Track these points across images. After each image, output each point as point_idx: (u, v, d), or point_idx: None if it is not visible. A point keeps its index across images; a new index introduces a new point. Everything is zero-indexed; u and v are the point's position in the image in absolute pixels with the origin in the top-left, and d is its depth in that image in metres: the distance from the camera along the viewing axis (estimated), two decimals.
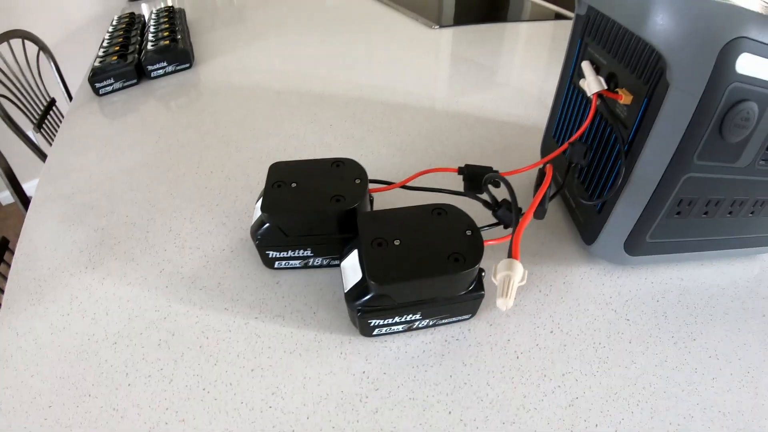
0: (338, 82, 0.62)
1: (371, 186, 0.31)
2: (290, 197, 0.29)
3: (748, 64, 0.25)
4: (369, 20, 0.91)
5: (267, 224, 0.29)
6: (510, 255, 0.21)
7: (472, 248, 0.26)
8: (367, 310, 0.26)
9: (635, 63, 0.28)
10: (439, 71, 0.69)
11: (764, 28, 0.25)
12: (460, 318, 0.29)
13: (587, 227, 0.33)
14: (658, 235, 0.32)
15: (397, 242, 0.26)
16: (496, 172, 0.28)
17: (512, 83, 0.66)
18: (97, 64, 0.50)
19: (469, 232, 0.27)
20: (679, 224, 0.32)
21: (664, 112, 0.26)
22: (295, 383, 0.27)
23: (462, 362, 0.28)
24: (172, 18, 0.64)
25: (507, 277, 0.21)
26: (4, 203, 1.63)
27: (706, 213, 0.32)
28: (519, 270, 0.21)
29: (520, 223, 0.22)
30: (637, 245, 0.32)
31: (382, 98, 0.58)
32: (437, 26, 0.82)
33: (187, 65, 0.58)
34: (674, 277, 0.36)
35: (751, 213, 0.34)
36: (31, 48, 0.96)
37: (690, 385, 0.30)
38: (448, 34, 0.83)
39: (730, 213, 0.33)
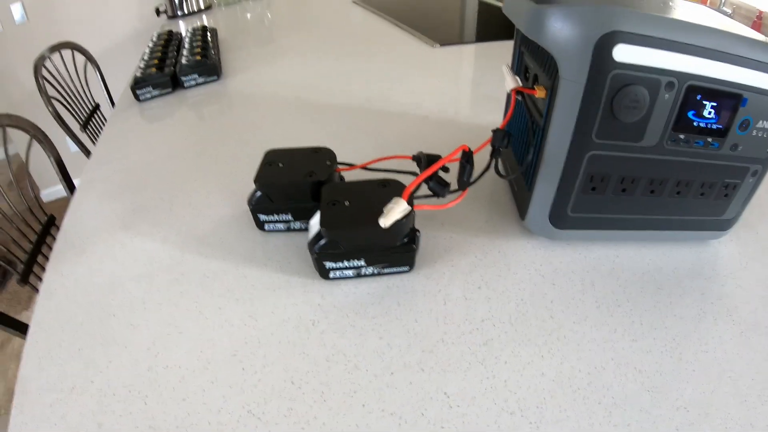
0: (341, 94, 0.81)
1: (340, 167, 0.46)
2: (276, 173, 0.45)
3: (625, 53, 0.37)
4: (378, 39, 1.14)
5: (258, 193, 0.45)
6: (401, 196, 0.35)
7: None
8: (321, 253, 0.40)
9: (544, 63, 0.42)
10: (429, 84, 0.87)
11: (636, 22, 0.37)
12: (399, 269, 0.42)
13: (521, 204, 0.46)
14: (581, 210, 0.44)
15: (347, 203, 0.41)
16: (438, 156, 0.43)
17: (498, 96, 0.81)
18: (138, 74, 0.71)
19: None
20: (599, 200, 0.43)
21: (559, 100, 0.39)
22: (266, 309, 0.41)
23: (397, 303, 0.41)
24: (205, 36, 0.87)
25: (390, 208, 0.35)
26: (46, 200, 1.99)
27: (624, 190, 0.43)
28: (401, 205, 0.35)
29: (417, 179, 0.36)
30: (561, 219, 0.44)
31: (375, 107, 0.76)
32: (438, 45, 1.03)
33: (216, 77, 0.78)
34: (610, 254, 0.47)
35: (677, 193, 0.45)
36: (80, 58, 1.25)
37: (607, 342, 0.40)
38: (447, 51, 1.05)
39: (652, 192, 0.44)
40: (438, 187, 0.40)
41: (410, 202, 0.39)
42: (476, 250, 0.46)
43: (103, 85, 1.29)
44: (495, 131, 0.41)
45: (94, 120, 1.30)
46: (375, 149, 0.64)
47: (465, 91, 0.84)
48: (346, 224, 0.39)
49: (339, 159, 0.50)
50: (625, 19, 0.37)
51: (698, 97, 0.41)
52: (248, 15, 1.37)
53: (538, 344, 0.39)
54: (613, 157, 0.41)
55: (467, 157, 0.39)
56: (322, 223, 0.39)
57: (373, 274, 0.42)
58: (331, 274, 0.41)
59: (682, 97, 0.40)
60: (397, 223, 0.39)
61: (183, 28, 1.21)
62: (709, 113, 0.42)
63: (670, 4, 0.48)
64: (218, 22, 1.31)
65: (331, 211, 0.40)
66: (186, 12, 1.29)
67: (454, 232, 0.48)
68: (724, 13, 2.53)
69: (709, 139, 0.43)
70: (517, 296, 0.42)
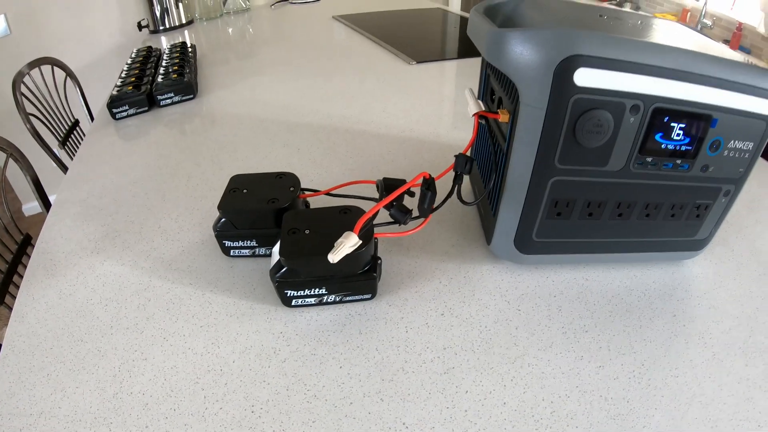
0: (313, 113, 0.81)
1: (303, 193, 0.45)
2: (240, 199, 0.44)
3: (586, 78, 0.36)
4: (356, 56, 1.14)
5: (223, 219, 0.44)
6: (353, 230, 0.34)
7: (362, 237, 0.39)
8: (282, 282, 0.39)
9: (507, 88, 0.40)
10: (404, 104, 0.87)
11: (598, 45, 0.36)
12: (362, 297, 0.41)
13: (487, 229, 0.45)
14: (546, 235, 0.42)
15: (307, 231, 0.40)
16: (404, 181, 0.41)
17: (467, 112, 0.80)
18: (114, 92, 0.71)
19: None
20: (565, 225, 0.42)
21: (520, 125, 0.38)
22: (229, 337, 0.41)
23: (359, 331, 0.40)
24: (183, 54, 0.86)
25: (340, 242, 0.34)
26: (27, 214, 2.00)
27: (591, 215, 0.42)
28: (352, 240, 0.34)
29: (370, 210, 0.35)
30: (526, 244, 0.42)
31: (349, 127, 0.76)
32: (414, 62, 1.04)
33: (192, 96, 0.77)
34: (578, 277, 0.46)
35: (647, 216, 0.43)
36: (60, 73, 1.25)
37: (572, 369, 0.40)
38: (422, 69, 1.05)
39: (620, 215, 0.43)
40: (399, 215, 0.40)
41: (370, 231, 0.38)
42: (441, 275, 0.45)
43: (83, 101, 1.28)
44: (457, 156, 0.40)
45: (73, 136, 1.30)
46: (347, 172, 0.64)
47: (441, 110, 0.83)
48: (304, 253, 0.38)
49: (310, 183, 0.49)
50: (586, 42, 0.35)
51: (665, 119, 0.39)
52: (230, 30, 1.36)
53: (501, 372, 0.38)
54: (578, 183, 0.40)
55: (427, 185, 0.38)
56: (281, 252, 0.38)
57: (335, 302, 0.41)
58: (293, 302, 0.41)
59: (648, 119, 0.39)
60: (356, 253, 0.38)
61: (164, 43, 1.21)
62: (678, 135, 0.40)
63: (644, 24, 0.47)
64: (200, 36, 1.31)
65: (291, 239, 0.39)
66: (168, 27, 1.28)
67: (420, 257, 0.48)
68: (704, 26, 2.53)
69: (678, 161, 0.41)
70: (480, 323, 0.41)
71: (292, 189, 0.44)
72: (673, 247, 0.47)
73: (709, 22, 2.53)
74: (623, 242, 0.45)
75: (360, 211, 0.42)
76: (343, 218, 0.41)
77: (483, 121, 0.41)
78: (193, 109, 0.80)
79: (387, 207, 0.41)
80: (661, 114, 0.39)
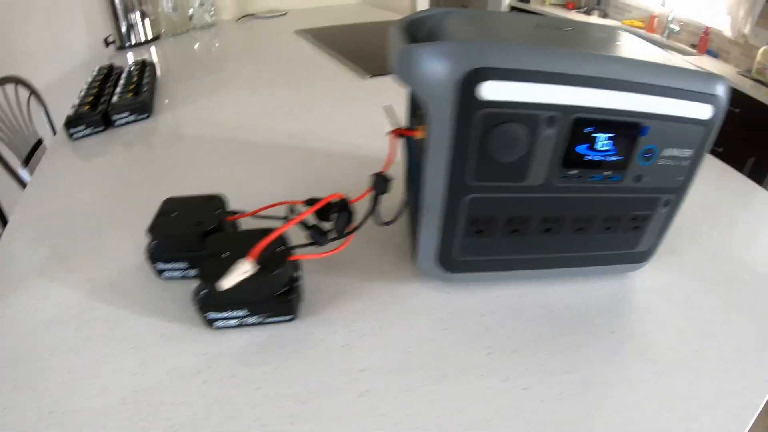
0: (266, 131, 0.81)
1: (229, 216, 0.45)
2: (169, 222, 0.44)
3: (493, 91, 0.34)
4: (313, 71, 1.14)
5: (154, 242, 0.44)
6: (245, 257, 0.33)
7: (276, 260, 0.38)
8: (202, 304, 0.39)
9: (422, 104, 0.38)
10: (354, 119, 0.86)
11: (505, 56, 0.34)
12: (283, 318, 0.41)
13: (413, 247, 0.43)
14: (470, 253, 0.41)
15: (226, 254, 0.39)
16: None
17: None
18: (71, 112, 0.71)
19: (280, 249, 0.39)
20: (489, 242, 0.40)
21: (431, 142, 0.36)
22: (157, 358, 0.41)
23: (278, 353, 0.40)
24: (142, 72, 0.87)
25: (232, 269, 0.33)
26: None
27: (515, 231, 0.40)
28: (243, 267, 0.33)
29: (267, 237, 0.34)
30: (450, 262, 0.41)
31: (297, 144, 0.76)
32: (369, 76, 1.04)
33: (146, 115, 0.77)
34: (512, 294, 0.44)
35: (579, 230, 0.41)
36: (24, 91, 1.24)
37: (495, 392, 0.38)
38: (376, 83, 1.04)
39: (549, 231, 0.40)
40: (317, 236, 0.39)
41: (287, 252, 0.37)
42: (367, 295, 0.44)
43: (48, 119, 1.28)
44: (375, 176, 0.38)
45: (37, 155, 1.29)
46: (288, 191, 0.64)
47: (389, 125, 0.80)
48: (221, 275, 0.37)
49: (249, 203, 0.49)
50: (491, 54, 0.33)
51: (588, 129, 0.37)
52: (195, 45, 1.35)
53: (419, 395, 0.37)
54: (496, 199, 0.38)
55: (340, 206, 0.36)
56: (200, 275, 0.38)
57: (257, 323, 0.40)
58: (216, 324, 0.40)
59: (568, 131, 0.36)
60: (270, 276, 0.37)
61: (131, 58, 1.22)
62: (604, 146, 0.38)
63: (581, 32, 0.44)
64: (166, 52, 1.33)
65: (210, 262, 0.38)
66: (134, 43, 1.28)
67: (348, 276, 0.47)
68: (671, 31, 2.48)
69: (608, 173, 0.39)
70: (403, 344, 0.40)
71: (218, 212, 0.44)
72: (613, 261, 0.45)
73: (676, 28, 2.52)
74: (558, 258, 0.43)
75: (281, 235, 0.41)
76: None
77: (402, 139, 0.39)
78: (147, 129, 0.81)
79: (306, 228, 0.39)
80: (583, 124, 0.37)
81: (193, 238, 0.42)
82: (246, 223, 0.52)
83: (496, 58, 0.33)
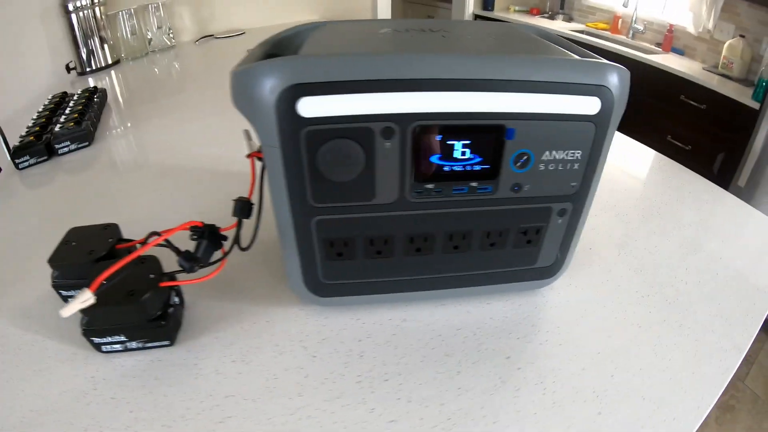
0: (191, 157, 0.83)
1: (120, 244, 0.46)
2: (68, 251, 0.47)
3: (312, 107, 0.32)
4: None
5: (56, 271, 0.46)
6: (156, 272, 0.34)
7: (147, 287, 0.38)
8: (86, 329, 0.40)
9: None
10: None
11: (321, 69, 0.32)
12: (162, 343, 0.42)
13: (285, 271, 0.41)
14: (335, 276, 0.39)
15: (105, 283, 0.40)
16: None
17: None
18: (17, 142, 0.75)
19: (152, 276, 0.39)
20: (353, 265, 0.38)
21: (268, 166, 0.34)
22: (54, 380, 0.44)
23: (155, 377, 0.42)
24: (90, 99, 0.95)
25: (74, 298, 0.33)
26: None
27: (379, 252, 0.37)
28: (84, 295, 0.37)
29: (106, 270, 0.34)
30: (317, 286, 0.40)
31: (220, 168, 0.76)
32: None
33: (87, 143, 0.83)
34: (396, 317, 0.42)
35: (455, 248, 0.37)
36: None
37: (358, 423, 0.37)
38: None
39: (418, 250, 0.37)
40: (185, 263, 0.39)
41: (159, 278, 0.38)
42: (246, 319, 0.44)
43: (6, 148, 1.30)
44: (237, 201, 0.37)
45: None
46: (197, 216, 0.62)
47: (246, 148, 0.79)
48: (98, 303, 0.38)
49: (157, 228, 0.49)
50: (304, 68, 0.32)
51: (437, 138, 0.33)
52: (155, 69, 1.41)
53: (277, 424, 0.36)
54: (345, 220, 0.36)
55: (201, 233, 0.36)
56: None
57: (139, 348, 0.41)
58: (103, 348, 0.43)
59: (411, 141, 0.33)
60: (139, 302, 0.38)
61: (92, 83, 1.32)
62: (464, 154, 0.34)
63: (453, 32, 0.39)
64: (126, 76, 1.40)
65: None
66: (95, 68, 1.35)
67: (231, 300, 0.48)
68: (636, 30, 2.40)
69: (474, 184, 0.35)
70: (270, 371, 0.39)
71: (110, 240, 0.45)
72: (511, 278, 0.41)
73: (640, 27, 2.48)
74: (440, 278, 0.40)
75: (155, 260, 0.41)
76: (138, 269, 0.41)
77: (259, 162, 0.37)
78: (87, 157, 0.86)
79: (177, 254, 0.39)
80: (429, 132, 0.33)
81: (86, 266, 0.44)
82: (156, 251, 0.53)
83: (310, 72, 0.31)
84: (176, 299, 0.46)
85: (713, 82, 1.88)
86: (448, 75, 0.32)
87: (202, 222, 0.41)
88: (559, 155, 0.36)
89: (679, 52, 2.32)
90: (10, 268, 0.62)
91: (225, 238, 0.44)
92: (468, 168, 0.36)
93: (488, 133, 0.35)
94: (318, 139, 0.34)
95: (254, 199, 0.42)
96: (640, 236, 0.50)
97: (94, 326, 0.44)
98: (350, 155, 0.35)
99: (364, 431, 0.37)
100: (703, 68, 2.09)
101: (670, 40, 2.30)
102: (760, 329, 0.43)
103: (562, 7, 2.99)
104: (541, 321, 0.43)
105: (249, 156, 0.41)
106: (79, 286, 0.48)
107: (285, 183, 0.36)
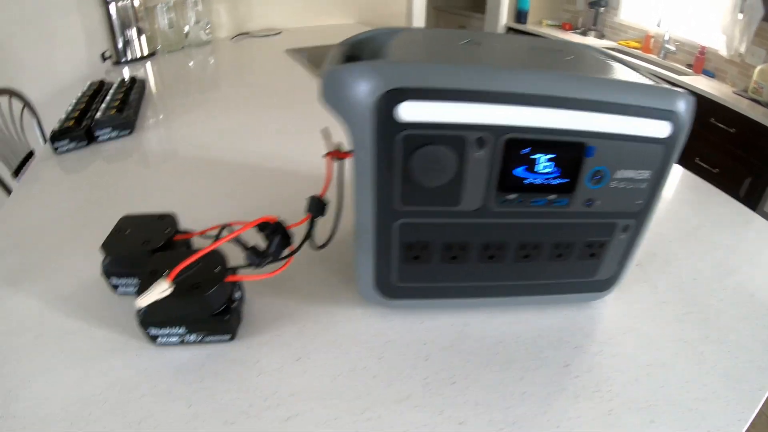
0: (234, 151, 0.81)
1: (178, 235, 0.44)
2: (121, 240, 0.44)
3: (412, 112, 0.32)
4: (297, 90, 1.13)
5: (108, 258, 0.44)
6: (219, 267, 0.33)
7: (212, 280, 0.37)
8: (143, 321, 0.39)
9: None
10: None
11: (424, 75, 0.32)
12: (221, 338, 0.40)
13: (355, 273, 0.41)
14: (408, 279, 0.38)
15: (166, 272, 0.39)
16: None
17: None
18: (57, 126, 0.73)
19: (217, 269, 0.38)
20: (427, 269, 0.38)
21: (355, 166, 0.34)
22: (102, 371, 0.42)
23: (214, 372, 0.39)
24: (130, 89, 0.91)
25: (151, 288, 0.32)
26: None
27: (455, 258, 0.37)
28: (162, 286, 0.34)
29: (184, 260, 0.33)
30: (388, 289, 0.39)
31: (267, 164, 0.75)
32: None
33: (128, 132, 0.79)
34: (458, 323, 0.41)
35: (526, 257, 0.37)
36: (18, 103, 1.28)
37: (426, 425, 0.36)
38: None
39: (491, 258, 0.37)
40: (253, 258, 0.38)
41: (224, 272, 0.37)
42: (308, 318, 0.43)
43: (40, 131, 1.31)
44: (311, 199, 0.36)
45: (27, 167, 1.31)
46: (249, 211, 0.63)
47: (325, 147, 0.78)
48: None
49: (205, 224, 0.47)
50: (407, 73, 0.31)
51: (525, 151, 0.34)
52: (190, 63, 1.38)
53: (344, 424, 0.35)
54: (429, 225, 0.36)
55: (274, 229, 0.35)
56: (138, 292, 0.37)
57: (197, 342, 0.40)
58: (158, 340, 0.40)
59: (501, 153, 0.33)
60: (205, 296, 0.36)
61: (127, 74, 1.28)
62: (545, 168, 0.34)
63: (527, 46, 0.40)
64: (161, 68, 1.36)
65: (149, 281, 0.38)
66: (130, 58, 1.32)
67: (291, 298, 0.46)
68: (668, 51, 2.39)
69: (552, 197, 0.36)
70: (335, 370, 0.38)
71: (167, 231, 0.44)
72: (570, 289, 0.41)
73: (672, 48, 2.42)
74: (505, 286, 0.40)
75: (219, 256, 0.40)
76: (203, 261, 0.39)
77: (336, 162, 0.37)
78: (128, 146, 0.83)
79: (244, 249, 0.38)
80: (518, 146, 0.34)
81: (140, 256, 0.42)
82: (201, 243, 0.52)
83: (413, 78, 0.31)
84: (238, 294, 0.43)
85: (743, 106, 1.81)
86: (541, 91, 0.32)
87: (275, 217, 0.41)
88: (629, 174, 0.37)
89: (710, 74, 2.21)
90: (46, 252, 0.57)
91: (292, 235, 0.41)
92: (548, 182, 0.35)
93: (571, 150, 0.34)
94: (413, 143, 0.32)
95: (329, 198, 0.40)
96: (679, 255, 0.50)
97: (154, 317, 0.42)
98: (442, 162, 0.34)
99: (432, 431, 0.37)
100: (733, 92, 1.99)
101: (702, 61, 2.21)
102: None
103: (594, 24, 2.86)
104: (594, 332, 0.43)
105: (327, 155, 0.41)
106: (130, 275, 0.45)
107: (373, 184, 0.34)
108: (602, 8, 2.78)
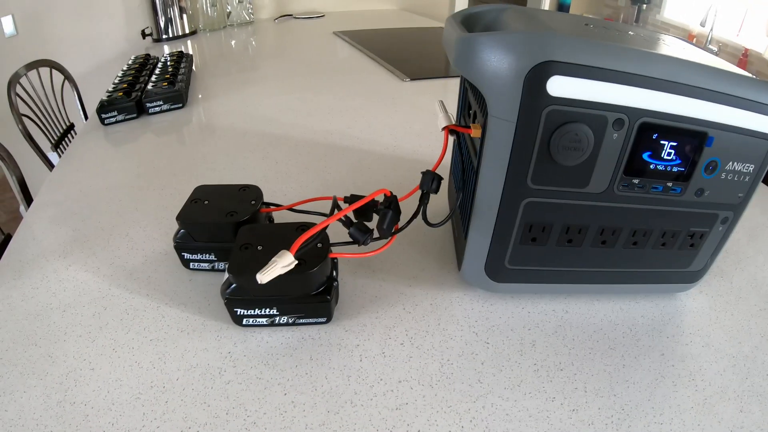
0: (298, 126, 0.78)
1: (265, 207, 0.41)
2: (200, 210, 0.40)
3: (561, 87, 0.30)
4: (351, 71, 1.11)
5: (182, 231, 0.40)
6: (289, 249, 0.29)
7: (316, 257, 0.34)
8: (230, 299, 0.35)
9: (479, 100, 0.35)
10: (392, 119, 0.83)
11: (575, 50, 0.30)
12: (317, 320, 0.37)
13: (459, 252, 0.39)
14: (520, 262, 0.37)
15: (260, 248, 0.35)
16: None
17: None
18: (105, 97, 0.68)
19: (319, 245, 0.35)
20: (541, 251, 0.36)
21: (489, 140, 0.32)
22: (177, 353, 0.37)
23: (310, 357, 0.36)
24: (178, 63, 0.84)
25: (273, 261, 0.29)
26: (24, 215, 2.00)
27: (570, 241, 0.36)
28: (286, 258, 0.29)
29: (311, 230, 0.30)
30: (498, 271, 0.37)
31: (333, 142, 0.72)
32: (408, 79, 1.01)
33: (180, 105, 0.74)
34: (558, 309, 0.40)
35: (634, 244, 0.37)
36: (59, 77, 1.22)
37: (542, 412, 0.34)
38: (415, 86, 1.01)
39: (603, 243, 0.36)
40: (358, 234, 0.35)
41: (325, 250, 0.34)
42: (406, 301, 0.40)
43: (80, 104, 1.25)
44: (424, 173, 0.34)
45: (67, 140, 1.27)
46: (321, 187, 0.60)
47: (428, 127, 0.79)
48: (254, 270, 0.33)
49: (283, 197, 0.45)
50: (561, 47, 0.30)
51: (654, 136, 0.34)
52: (232, 42, 1.33)
53: (460, 412, 0.33)
54: (554, 205, 0.34)
55: (388, 203, 0.33)
56: (230, 267, 0.34)
57: (288, 324, 0.36)
58: (245, 321, 0.36)
59: (634, 136, 0.33)
60: (309, 273, 0.33)
61: (166, 51, 1.21)
62: (669, 154, 0.34)
63: (637, 34, 0.40)
64: (202, 47, 1.30)
65: (241, 255, 0.35)
66: (171, 36, 1.27)
67: (386, 280, 0.43)
68: (710, 51, 2.38)
69: (669, 184, 0.35)
70: (443, 356, 0.36)
71: (253, 202, 0.40)
72: (664, 279, 0.41)
73: (714, 48, 2.42)
74: (608, 272, 0.39)
75: (322, 231, 0.37)
76: (296, 236, 0.36)
77: (453, 136, 0.35)
78: (180, 118, 0.78)
79: (346, 225, 0.35)
80: (650, 130, 0.33)
81: (225, 228, 0.39)
82: (279, 217, 0.48)
83: (566, 53, 0.30)
84: (336, 273, 0.39)
85: None
86: (677, 79, 0.31)
87: (389, 191, 0.36)
88: (737, 167, 0.38)
89: None
90: (103, 223, 0.52)
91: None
92: (669, 168, 0.34)
93: (695, 138, 0.33)
94: (558, 119, 0.30)
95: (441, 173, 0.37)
96: (749, 252, 0.51)
97: (244, 296, 0.38)
98: (581, 140, 0.32)
99: (548, 419, 0.35)
100: None
101: (744, 63, 2.14)
102: None
103: (636, 20, 2.76)
104: (684, 323, 0.41)
105: (444, 129, 0.39)
106: (206, 250, 0.41)
107: (507, 159, 0.32)
108: (645, 5, 2.71)
